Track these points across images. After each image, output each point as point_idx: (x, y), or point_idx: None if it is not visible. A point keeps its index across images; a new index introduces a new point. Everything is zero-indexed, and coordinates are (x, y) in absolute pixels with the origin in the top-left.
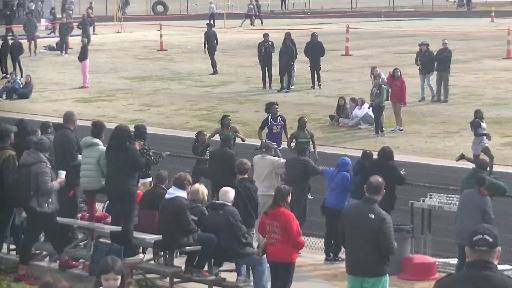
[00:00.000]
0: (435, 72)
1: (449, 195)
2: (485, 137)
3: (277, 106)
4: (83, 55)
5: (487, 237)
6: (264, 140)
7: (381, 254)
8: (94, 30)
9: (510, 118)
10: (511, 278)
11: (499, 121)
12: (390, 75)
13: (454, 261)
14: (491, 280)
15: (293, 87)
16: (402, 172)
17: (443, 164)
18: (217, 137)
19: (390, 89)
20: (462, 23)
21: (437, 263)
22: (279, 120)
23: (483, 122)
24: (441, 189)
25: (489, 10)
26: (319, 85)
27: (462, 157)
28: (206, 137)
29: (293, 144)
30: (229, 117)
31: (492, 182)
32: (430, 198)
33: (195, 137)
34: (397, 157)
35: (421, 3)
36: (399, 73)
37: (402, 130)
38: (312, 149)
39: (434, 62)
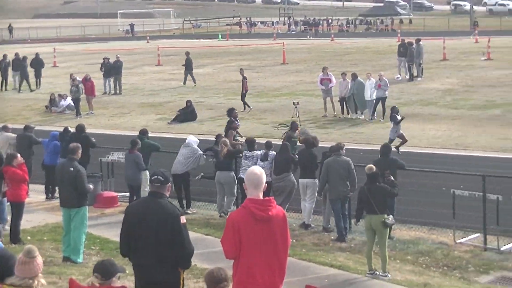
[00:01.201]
0: (113, 75)
1: (123, 153)
2: (400, 126)
3: (236, 111)
4: None
5: (160, 177)
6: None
7: (80, 192)
8: None
9: (161, 102)
10: (172, 204)
11: (154, 105)
12: (84, 78)
13: (127, 194)
14: (160, 204)
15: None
16: (93, 140)
17: (120, 134)
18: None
19: (84, 87)
20: (128, 44)
21: (118, 196)
22: (237, 121)
23: (398, 115)
24: (118, 149)
25: (145, 35)
26: (39, 87)
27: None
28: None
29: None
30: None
31: (145, 144)
32: (112, 155)
33: (215, 139)
34: (92, 130)
35: (102, 31)
36: (89, 77)
37: (93, 113)
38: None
39: (111, 69)
